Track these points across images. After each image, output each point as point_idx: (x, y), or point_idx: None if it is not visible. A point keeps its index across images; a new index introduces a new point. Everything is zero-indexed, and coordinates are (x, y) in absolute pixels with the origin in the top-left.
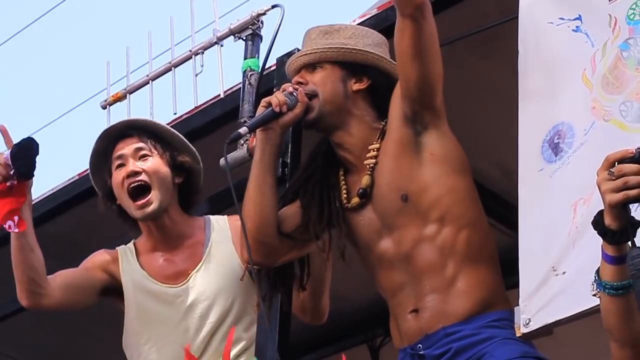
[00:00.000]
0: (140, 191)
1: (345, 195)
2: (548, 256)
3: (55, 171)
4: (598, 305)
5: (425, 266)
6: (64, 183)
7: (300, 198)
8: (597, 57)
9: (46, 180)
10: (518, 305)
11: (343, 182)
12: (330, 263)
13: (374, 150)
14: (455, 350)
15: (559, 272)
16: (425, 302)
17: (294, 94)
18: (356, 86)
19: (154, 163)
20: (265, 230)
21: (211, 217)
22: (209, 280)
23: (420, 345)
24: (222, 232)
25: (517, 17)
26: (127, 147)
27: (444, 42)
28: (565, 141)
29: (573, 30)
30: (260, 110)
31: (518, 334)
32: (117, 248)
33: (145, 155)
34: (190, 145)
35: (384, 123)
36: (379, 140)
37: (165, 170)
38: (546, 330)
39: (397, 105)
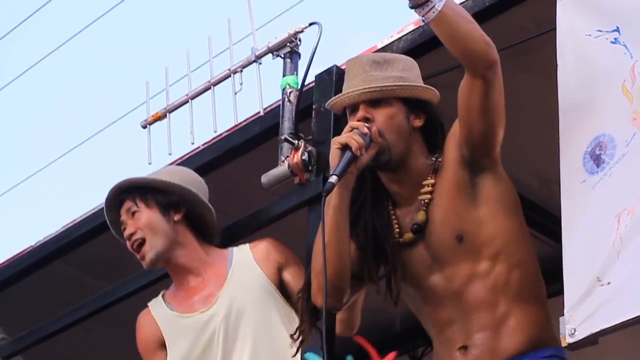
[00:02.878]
0: (140, 246)
1: (397, 231)
2: (592, 267)
3: (96, 190)
4: None
5: (477, 303)
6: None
7: (354, 239)
8: (637, 68)
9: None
10: (563, 315)
11: (394, 217)
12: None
13: (428, 186)
14: None
15: (603, 282)
16: (474, 340)
17: (368, 134)
18: (416, 123)
19: (143, 216)
20: (344, 276)
21: (234, 248)
22: (237, 295)
23: None
24: (244, 257)
25: (553, 29)
26: (123, 213)
27: None
28: (607, 152)
29: (611, 42)
30: (336, 153)
31: (564, 344)
32: (148, 304)
33: (134, 213)
34: (172, 179)
35: (434, 158)
36: (433, 175)
37: (155, 217)
38: (591, 340)
39: (455, 147)
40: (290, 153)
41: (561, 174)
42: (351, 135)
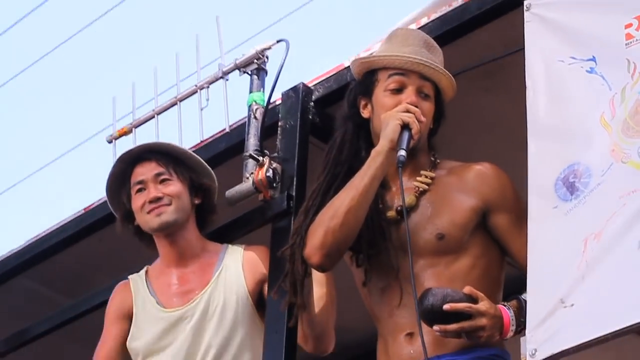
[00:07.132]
0: (159, 202)
1: (380, 206)
2: (557, 289)
3: (63, 205)
4: (604, 335)
5: None
6: (70, 217)
7: None
8: (616, 101)
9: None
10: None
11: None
12: (332, 291)
13: (426, 177)
14: None
15: (567, 304)
16: (422, 327)
17: (420, 125)
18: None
19: (175, 187)
20: (348, 243)
21: (230, 245)
22: (214, 302)
23: None
24: (235, 260)
25: (522, 49)
26: (147, 172)
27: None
28: (582, 181)
29: (587, 71)
30: (397, 128)
31: None
32: (129, 277)
33: (165, 180)
34: (207, 165)
35: (433, 157)
36: (433, 170)
37: (185, 193)
38: None
39: (488, 197)
40: (255, 170)
41: (529, 197)
42: (414, 120)
